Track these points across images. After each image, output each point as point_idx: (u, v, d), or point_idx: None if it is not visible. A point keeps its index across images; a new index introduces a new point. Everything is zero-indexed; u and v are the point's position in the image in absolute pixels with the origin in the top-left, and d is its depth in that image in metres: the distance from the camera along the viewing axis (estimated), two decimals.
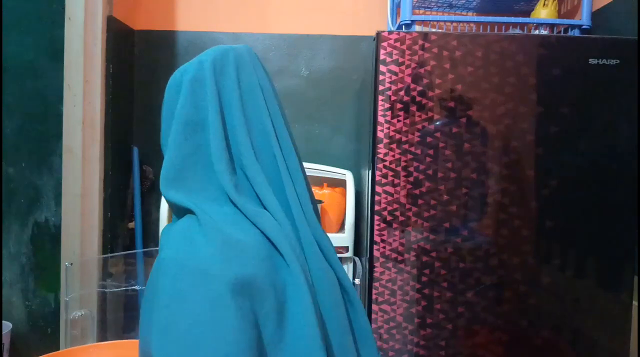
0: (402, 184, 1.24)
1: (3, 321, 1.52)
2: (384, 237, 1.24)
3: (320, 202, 1.58)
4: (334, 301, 0.60)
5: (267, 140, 0.64)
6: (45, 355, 1.09)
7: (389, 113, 1.23)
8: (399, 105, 1.23)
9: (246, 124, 0.64)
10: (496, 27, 1.52)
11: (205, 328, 0.50)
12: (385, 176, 1.24)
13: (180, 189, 0.61)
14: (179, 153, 0.62)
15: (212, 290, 0.52)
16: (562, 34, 1.51)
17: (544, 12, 1.48)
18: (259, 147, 0.63)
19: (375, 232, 1.24)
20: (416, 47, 1.22)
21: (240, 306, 0.51)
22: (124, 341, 1.23)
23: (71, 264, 1.50)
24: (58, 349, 1.54)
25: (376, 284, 1.25)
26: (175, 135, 0.63)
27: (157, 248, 1.69)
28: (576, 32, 1.45)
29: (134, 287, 1.63)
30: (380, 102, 1.23)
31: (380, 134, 1.23)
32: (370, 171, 1.27)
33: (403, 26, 1.47)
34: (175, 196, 0.61)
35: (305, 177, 0.67)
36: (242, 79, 0.66)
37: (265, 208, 0.61)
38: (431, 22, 1.64)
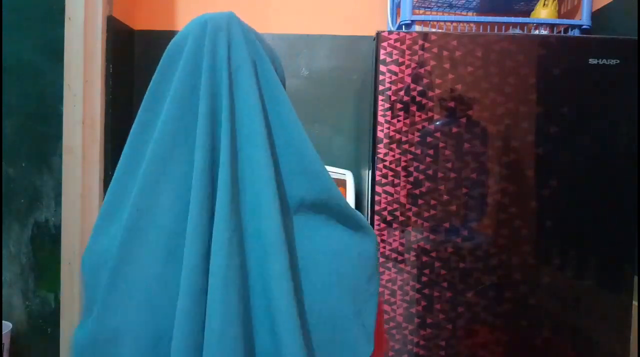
0: (402, 184, 1.24)
1: (3, 321, 1.52)
2: (384, 237, 1.24)
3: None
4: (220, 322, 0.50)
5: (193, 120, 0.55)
6: None
7: (389, 113, 1.23)
8: (399, 105, 1.23)
9: (177, 101, 0.55)
10: (496, 27, 1.52)
11: None
12: (385, 176, 1.24)
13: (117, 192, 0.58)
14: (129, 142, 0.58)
15: None
16: (562, 34, 1.51)
17: (544, 12, 1.48)
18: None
19: (375, 232, 1.24)
20: (416, 47, 1.22)
21: None
22: None
23: (71, 263, 1.50)
24: (58, 349, 1.54)
25: None
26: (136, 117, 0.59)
27: None
28: (576, 32, 1.45)
29: None
30: (380, 102, 1.23)
31: (380, 134, 1.23)
32: (370, 171, 1.27)
33: (403, 26, 1.47)
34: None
35: (274, 163, 0.55)
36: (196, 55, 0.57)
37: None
38: (431, 22, 1.64)
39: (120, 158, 0.58)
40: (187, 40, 0.58)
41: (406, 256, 1.24)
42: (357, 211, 0.64)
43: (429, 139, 1.23)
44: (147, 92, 0.59)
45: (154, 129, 0.56)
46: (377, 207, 1.24)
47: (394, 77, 1.23)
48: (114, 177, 0.59)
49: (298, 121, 0.58)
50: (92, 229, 0.58)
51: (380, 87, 1.23)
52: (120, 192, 0.58)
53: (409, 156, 1.23)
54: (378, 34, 1.23)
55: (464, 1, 1.64)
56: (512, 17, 1.50)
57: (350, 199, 1.62)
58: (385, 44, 1.22)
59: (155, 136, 0.55)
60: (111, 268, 0.53)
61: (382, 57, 1.22)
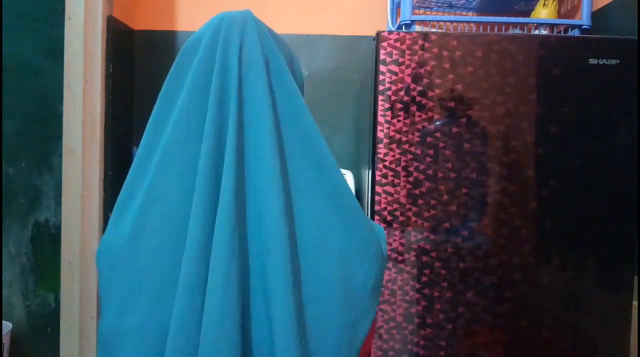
0: (402, 184, 1.24)
1: (3, 321, 1.52)
2: None
3: None
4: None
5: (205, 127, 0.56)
6: None
7: (389, 113, 1.23)
8: (399, 105, 1.23)
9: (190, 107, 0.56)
10: (496, 27, 1.52)
11: None
12: (385, 176, 1.24)
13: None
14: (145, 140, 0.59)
15: None
16: (562, 34, 1.51)
17: (544, 12, 1.48)
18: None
19: None
20: (416, 47, 1.22)
21: None
22: None
23: (71, 263, 1.50)
24: (58, 349, 1.54)
25: None
26: (151, 116, 0.60)
27: None
28: (576, 32, 1.45)
29: None
30: (380, 102, 1.23)
31: (380, 134, 1.23)
32: (370, 171, 1.27)
33: (403, 26, 1.47)
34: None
35: (283, 178, 0.54)
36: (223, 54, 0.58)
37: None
38: (431, 22, 1.64)
39: (137, 152, 0.59)
40: (203, 37, 0.60)
41: (406, 256, 1.24)
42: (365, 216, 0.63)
43: (429, 139, 1.23)
44: (162, 88, 0.59)
45: (168, 123, 0.57)
46: (377, 207, 1.24)
47: (394, 77, 1.23)
48: (130, 169, 0.60)
49: (311, 117, 0.58)
50: (109, 221, 0.60)
51: (380, 87, 1.23)
52: (134, 184, 0.59)
53: (409, 156, 1.23)
54: (378, 34, 1.23)
55: (464, 1, 1.64)
56: (512, 17, 1.50)
57: None
58: (385, 44, 1.22)
59: (168, 131, 0.56)
60: (122, 258, 0.55)
61: (382, 57, 1.22)
